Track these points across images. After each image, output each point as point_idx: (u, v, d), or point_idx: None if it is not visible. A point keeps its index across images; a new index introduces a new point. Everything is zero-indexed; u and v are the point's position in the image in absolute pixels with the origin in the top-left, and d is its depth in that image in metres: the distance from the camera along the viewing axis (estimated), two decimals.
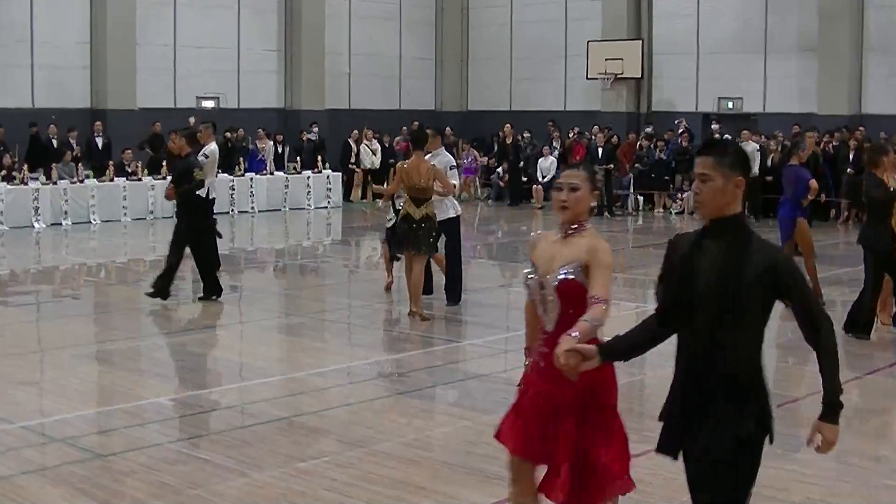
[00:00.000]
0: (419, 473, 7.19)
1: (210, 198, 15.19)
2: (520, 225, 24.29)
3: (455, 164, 13.35)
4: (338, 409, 8.82)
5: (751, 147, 24.44)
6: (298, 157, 27.23)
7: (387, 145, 28.58)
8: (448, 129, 29.88)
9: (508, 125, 28.72)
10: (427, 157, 12.48)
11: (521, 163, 28.10)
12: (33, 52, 25.74)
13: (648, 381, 10.18)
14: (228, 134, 26.43)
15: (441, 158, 12.76)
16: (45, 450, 7.77)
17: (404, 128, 29.04)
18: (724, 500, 4.08)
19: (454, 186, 12.82)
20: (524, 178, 27.96)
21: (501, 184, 28.63)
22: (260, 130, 27.30)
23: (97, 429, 8.33)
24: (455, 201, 13.00)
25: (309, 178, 26.36)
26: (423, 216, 12.06)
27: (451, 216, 12.80)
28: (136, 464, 7.32)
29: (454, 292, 13.18)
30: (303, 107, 30.02)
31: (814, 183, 13.36)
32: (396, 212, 13.11)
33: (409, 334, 11.84)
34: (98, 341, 11.87)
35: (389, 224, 13.64)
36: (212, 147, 15.48)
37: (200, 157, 15.33)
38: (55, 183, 22.31)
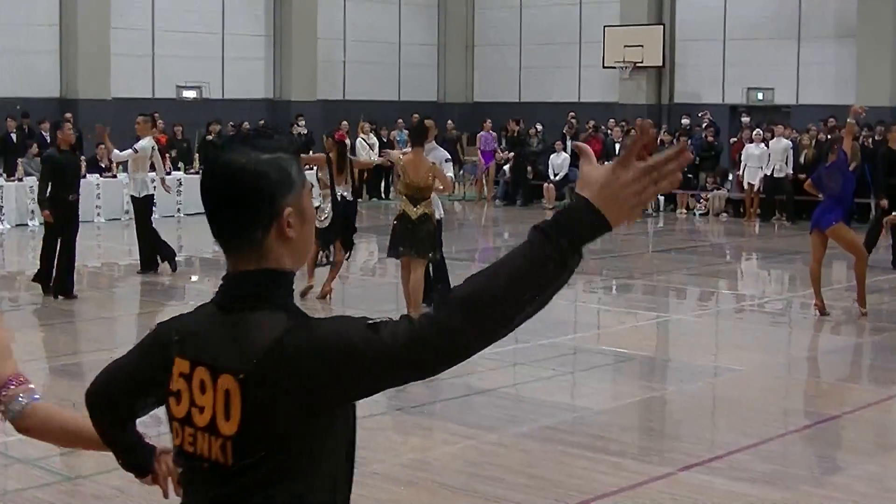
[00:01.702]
0: (417, 497, 7.17)
1: (141, 195, 15.95)
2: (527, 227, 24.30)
3: (449, 157, 13.45)
4: None
5: (783, 143, 24.42)
6: None
7: (385, 139, 28.58)
8: (450, 122, 29.88)
9: (512, 121, 28.60)
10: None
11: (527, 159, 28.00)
12: None
13: (669, 396, 10.16)
14: (212, 128, 26.42)
15: (436, 153, 12.86)
16: (7, 472, 7.75)
17: (400, 120, 29.04)
18: None
19: (452, 183, 12.92)
20: (530, 176, 27.84)
21: (506, 182, 28.57)
22: (261, 123, 27.36)
23: (64, 449, 8.31)
24: (440, 203, 13.07)
25: None
26: (422, 215, 12.09)
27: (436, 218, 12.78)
28: (107, 487, 7.29)
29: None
30: (293, 97, 30.02)
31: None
32: (336, 205, 13.97)
33: None
34: (67, 353, 11.84)
35: (324, 223, 14.12)
36: (142, 143, 16.00)
37: (129, 151, 16.03)
38: (20, 180, 22.29)
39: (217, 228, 2.53)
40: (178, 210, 23.51)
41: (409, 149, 12.96)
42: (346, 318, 2.46)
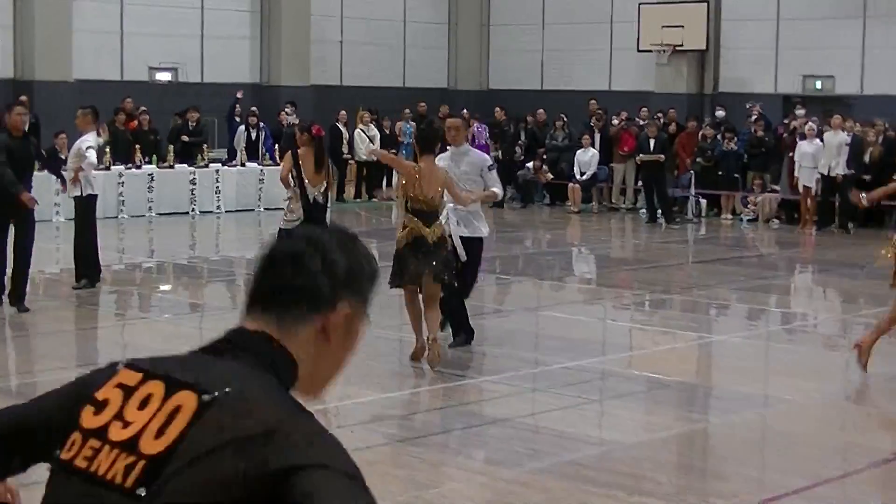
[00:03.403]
0: None
1: (84, 194, 15.90)
2: (553, 232, 24.32)
3: (493, 163, 13.02)
4: None
5: (839, 137, 24.08)
6: (276, 145, 27.21)
7: (387, 131, 28.58)
8: (465, 111, 29.80)
9: (498, 108, 28.48)
10: (444, 155, 12.21)
11: (519, 154, 28.12)
12: None
13: (712, 429, 10.13)
14: (189, 116, 26.42)
15: (472, 157, 12.43)
16: None
17: (407, 110, 29.03)
18: None
19: (495, 194, 12.79)
20: (545, 178, 27.86)
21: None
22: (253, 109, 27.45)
23: (16, 481, 8.27)
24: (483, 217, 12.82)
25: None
26: (440, 238, 11.70)
27: (480, 235, 12.54)
28: None
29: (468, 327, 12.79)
30: (282, 82, 30.05)
31: None
32: (309, 208, 13.98)
33: (415, 367, 11.77)
34: (20, 372, 11.83)
35: (294, 223, 14.20)
36: (88, 137, 15.93)
37: (90, 153, 15.87)
38: None
39: (267, 285, 2.50)
40: (150, 209, 23.43)
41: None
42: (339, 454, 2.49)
